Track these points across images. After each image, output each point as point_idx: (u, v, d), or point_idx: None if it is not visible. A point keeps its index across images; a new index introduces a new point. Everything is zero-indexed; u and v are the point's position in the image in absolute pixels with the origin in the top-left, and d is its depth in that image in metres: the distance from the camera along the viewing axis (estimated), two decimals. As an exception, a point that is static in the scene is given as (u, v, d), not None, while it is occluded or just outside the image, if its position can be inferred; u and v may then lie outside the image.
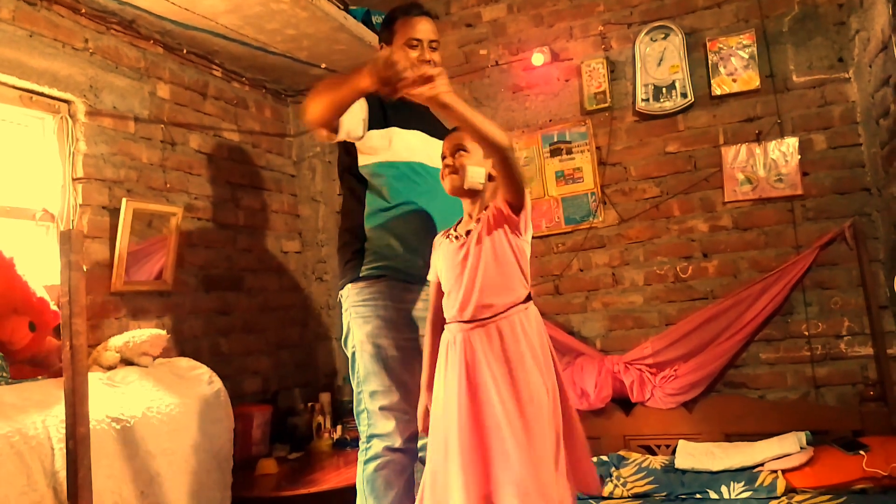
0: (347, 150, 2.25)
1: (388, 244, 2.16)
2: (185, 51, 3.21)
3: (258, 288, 3.61)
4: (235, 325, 3.41)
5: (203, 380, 2.66)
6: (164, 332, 2.58)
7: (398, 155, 2.19)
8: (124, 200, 2.73)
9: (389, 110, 2.21)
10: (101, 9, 2.76)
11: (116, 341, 2.51)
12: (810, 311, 3.07)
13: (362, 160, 2.20)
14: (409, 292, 2.18)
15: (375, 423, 2.12)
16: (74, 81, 2.67)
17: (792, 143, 3.11)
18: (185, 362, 2.68)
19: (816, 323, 3.06)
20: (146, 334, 2.52)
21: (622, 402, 3.19)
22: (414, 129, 2.25)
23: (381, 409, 2.11)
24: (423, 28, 2.19)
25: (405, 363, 2.11)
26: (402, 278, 2.16)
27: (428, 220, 2.18)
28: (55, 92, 2.60)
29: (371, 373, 2.12)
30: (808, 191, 3.10)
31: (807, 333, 3.07)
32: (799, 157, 3.10)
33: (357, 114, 2.08)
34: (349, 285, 2.20)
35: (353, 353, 2.17)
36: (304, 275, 4.02)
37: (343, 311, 2.22)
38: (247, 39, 3.19)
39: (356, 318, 2.15)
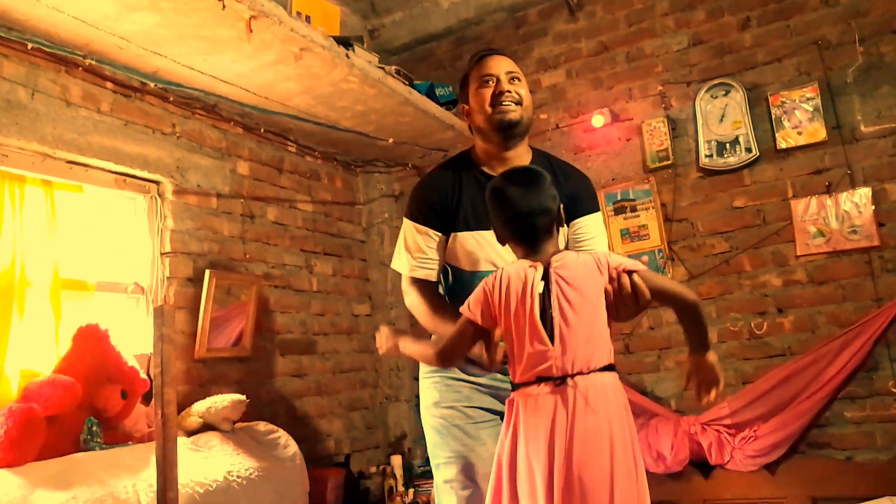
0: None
1: None
2: (262, 130, 3.43)
3: (330, 351, 3.71)
4: (309, 389, 3.51)
5: (280, 443, 2.74)
6: (243, 397, 2.68)
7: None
8: (207, 272, 2.90)
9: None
10: (187, 96, 3.00)
11: (199, 407, 2.63)
12: (896, 366, 2.94)
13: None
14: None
15: (441, 497, 1.99)
16: (163, 163, 2.89)
17: (865, 193, 3.04)
18: (263, 426, 2.78)
19: (904, 380, 2.92)
20: (227, 400, 2.63)
21: (700, 465, 3.10)
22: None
23: (446, 482, 1.96)
24: (495, 63, 1.98)
25: (469, 434, 1.94)
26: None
27: None
28: (146, 174, 2.82)
29: (435, 444, 1.99)
30: (886, 241, 3.00)
31: (894, 390, 2.93)
32: (873, 207, 3.02)
33: None
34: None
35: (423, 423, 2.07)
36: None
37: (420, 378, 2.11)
38: (318, 117, 3.38)
39: (423, 389, 2.06)
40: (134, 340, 2.66)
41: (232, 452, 2.50)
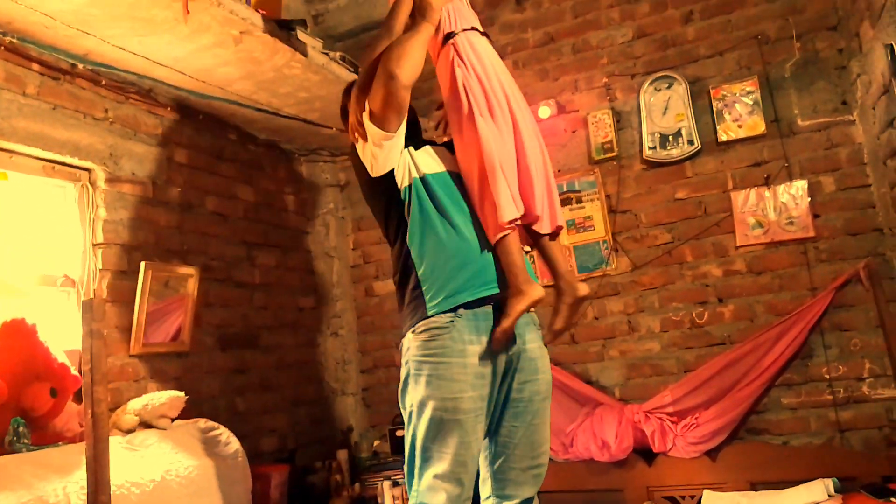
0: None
1: (446, 262, 1.90)
2: (201, 116, 3.30)
3: (274, 345, 3.63)
4: (252, 384, 3.42)
5: (221, 441, 2.66)
6: (181, 394, 2.59)
7: (434, 167, 2.01)
8: (143, 264, 2.78)
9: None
10: (121, 80, 2.86)
11: (135, 404, 2.52)
12: (830, 353, 3.04)
13: (401, 176, 1.97)
14: (481, 332, 1.87)
15: (425, 494, 1.84)
16: (95, 150, 2.75)
17: (801, 185, 3.13)
18: (203, 423, 2.69)
19: (837, 366, 3.03)
20: (164, 397, 2.54)
21: (644, 453, 3.15)
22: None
23: (436, 476, 1.83)
24: None
25: (466, 429, 1.83)
26: (475, 307, 1.87)
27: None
28: (76, 161, 2.68)
29: (427, 437, 1.84)
30: (820, 233, 3.10)
31: (828, 377, 3.03)
32: (809, 199, 3.11)
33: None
34: (410, 335, 1.91)
35: (410, 414, 1.90)
36: (320, 330, 4.04)
37: (403, 362, 1.93)
38: (260, 103, 3.28)
39: (415, 375, 1.87)
40: (65, 336, 2.53)
41: (170, 451, 2.41)
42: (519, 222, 1.92)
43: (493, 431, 1.95)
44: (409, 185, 1.94)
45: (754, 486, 2.96)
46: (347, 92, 2.22)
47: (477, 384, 1.84)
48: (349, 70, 3.21)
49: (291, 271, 3.89)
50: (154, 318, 2.89)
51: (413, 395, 1.87)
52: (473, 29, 2.07)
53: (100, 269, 2.70)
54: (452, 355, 1.82)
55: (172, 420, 2.56)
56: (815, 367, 3.06)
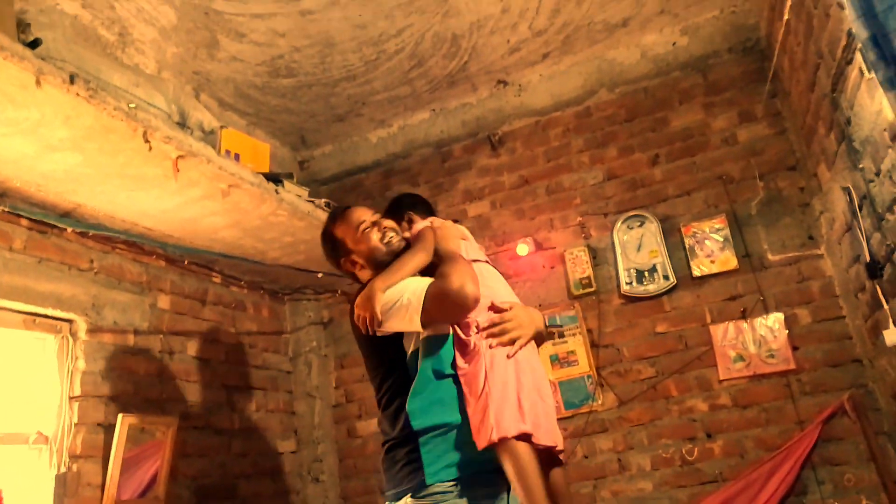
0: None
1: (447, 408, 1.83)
2: (186, 262, 3.35)
3: (252, 495, 3.48)
4: (229, 539, 3.25)
5: None
6: (154, 557, 2.45)
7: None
8: (120, 416, 2.71)
9: None
10: (108, 232, 2.91)
11: (104, 571, 2.38)
12: (824, 489, 2.97)
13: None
14: (483, 498, 1.79)
15: None
16: (77, 301, 2.76)
17: (778, 318, 3.19)
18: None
19: (833, 502, 2.95)
20: (136, 561, 2.39)
21: None
22: None
23: None
24: (361, 212, 2.13)
25: None
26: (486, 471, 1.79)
27: None
28: (58, 313, 2.68)
29: None
30: (801, 365, 3.13)
31: (825, 515, 2.95)
32: (787, 331, 3.16)
33: None
34: (408, 499, 1.77)
35: None
36: (300, 475, 3.89)
37: None
38: (245, 248, 3.34)
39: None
40: (33, 497, 2.41)
41: None
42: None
43: None
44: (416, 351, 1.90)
45: None
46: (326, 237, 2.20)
47: None
48: (333, 216, 3.30)
49: (271, 413, 3.81)
50: (129, 466, 2.77)
51: None
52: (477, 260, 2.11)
53: (75, 424, 2.62)
54: None
55: (143, 587, 2.40)
56: (810, 504, 2.99)
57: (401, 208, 2.26)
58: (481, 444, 1.72)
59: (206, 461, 3.23)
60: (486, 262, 2.15)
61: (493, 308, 1.91)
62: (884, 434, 2.92)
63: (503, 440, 1.70)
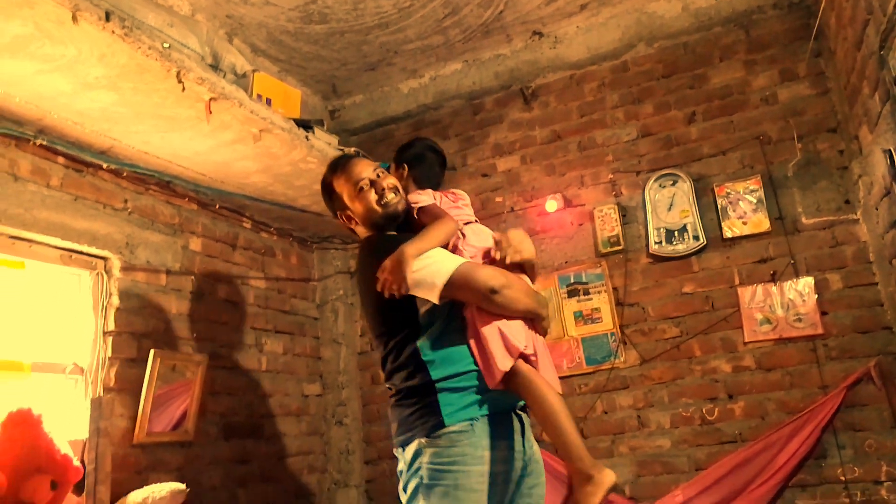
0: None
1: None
2: (217, 206, 3.39)
3: (277, 434, 3.58)
4: (254, 475, 3.36)
5: (220, 537, 2.60)
6: (183, 486, 2.54)
7: None
8: (152, 352, 2.80)
9: None
10: (142, 172, 2.96)
11: (136, 497, 2.47)
12: (844, 454, 2.97)
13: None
14: (500, 437, 1.82)
15: None
16: (112, 239, 2.82)
17: (808, 282, 3.15)
18: (203, 518, 2.63)
19: (852, 467, 2.95)
20: (165, 489, 2.49)
21: (655, 556, 3.04)
22: None
23: None
24: (363, 167, 2.05)
25: None
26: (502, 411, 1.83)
27: None
28: (94, 250, 2.75)
29: None
30: (829, 330, 3.09)
31: (843, 479, 2.95)
32: (816, 296, 3.12)
33: None
34: (422, 440, 1.78)
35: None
36: (325, 418, 3.99)
37: (407, 471, 1.81)
38: (276, 194, 3.38)
39: (428, 485, 1.74)
40: (70, 425, 2.51)
41: (168, 547, 2.36)
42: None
43: None
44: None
45: None
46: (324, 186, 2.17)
47: (494, 492, 1.78)
48: (362, 164, 3.31)
49: (298, 357, 3.89)
50: (160, 403, 2.87)
51: None
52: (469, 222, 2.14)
53: (109, 358, 2.71)
54: (472, 463, 1.73)
55: (173, 514, 2.51)
56: (829, 468, 2.99)
57: (402, 160, 2.21)
58: (492, 382, 1.78)
59: (234, 400, 3.33)
60: (477, 221, 2.15)
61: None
62: (909, 402, 2.89)
63: (511, 370, 1.77)
